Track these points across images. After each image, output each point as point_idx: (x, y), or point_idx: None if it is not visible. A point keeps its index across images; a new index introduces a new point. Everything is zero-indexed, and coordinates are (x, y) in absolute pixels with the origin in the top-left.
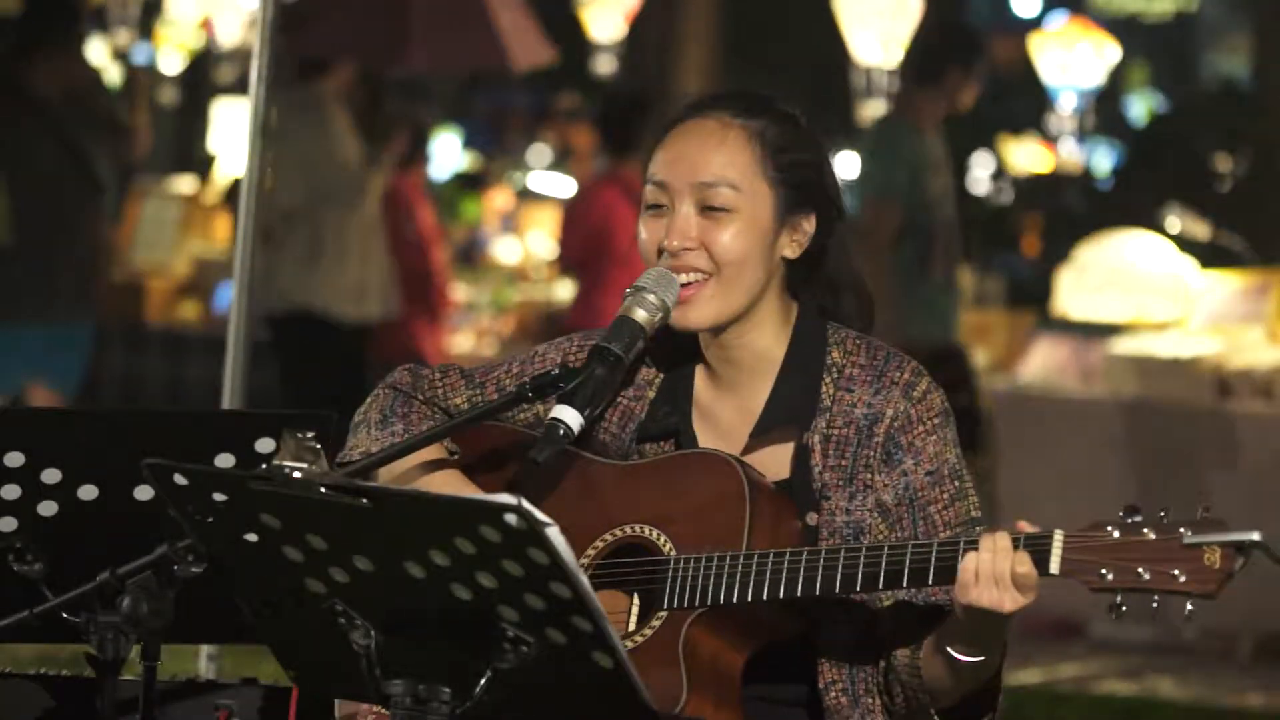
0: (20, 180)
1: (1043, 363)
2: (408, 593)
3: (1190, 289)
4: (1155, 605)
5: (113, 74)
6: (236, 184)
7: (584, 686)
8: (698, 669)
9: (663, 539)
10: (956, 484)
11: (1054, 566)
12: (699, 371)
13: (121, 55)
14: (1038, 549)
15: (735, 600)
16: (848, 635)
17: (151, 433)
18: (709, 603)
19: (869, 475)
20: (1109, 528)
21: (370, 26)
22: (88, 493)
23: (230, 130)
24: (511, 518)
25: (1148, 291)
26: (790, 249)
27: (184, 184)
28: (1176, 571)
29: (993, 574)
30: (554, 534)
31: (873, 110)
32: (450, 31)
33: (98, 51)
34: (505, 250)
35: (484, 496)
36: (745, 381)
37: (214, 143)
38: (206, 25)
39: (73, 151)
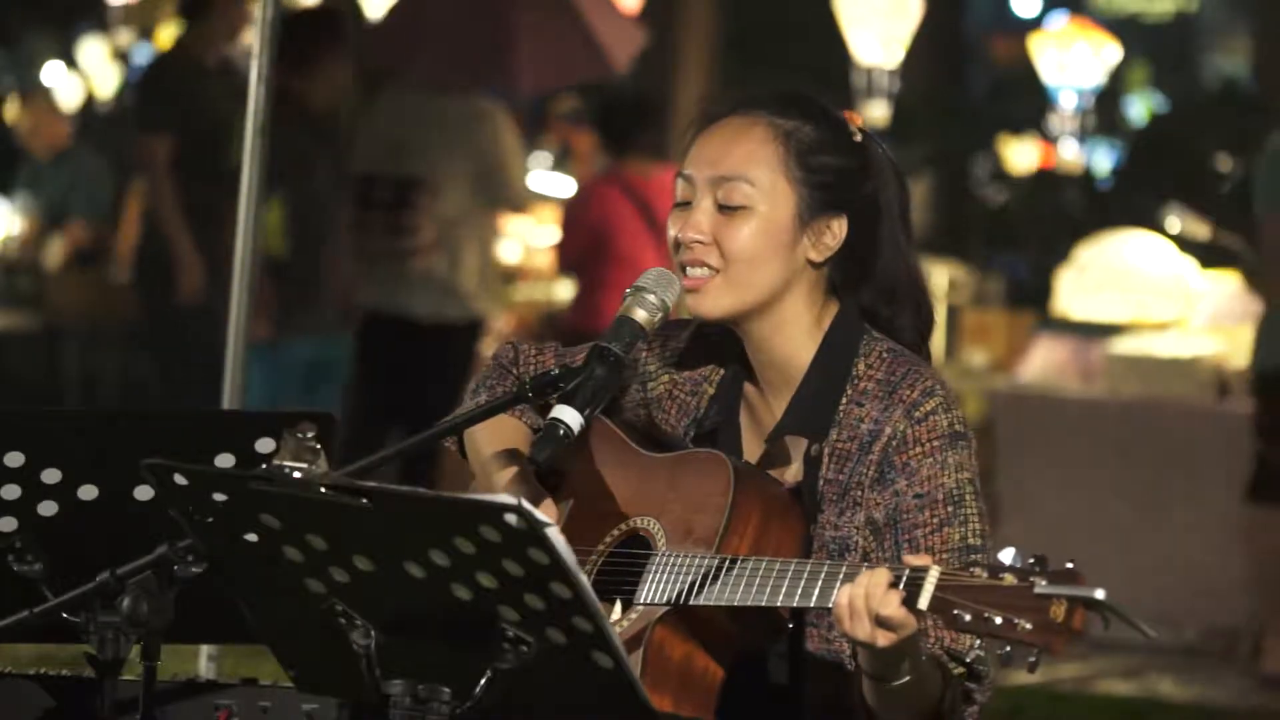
0: (299, 195)
1: (1043, 363)
2: (408, 593)
3: (1190, 289)
4: (1008, 650)
5: (112, 74)
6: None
7: (584, 686)
8: (662, 668)
9: (660, 534)
10: (950, 509)
11: (923, 602)
12: (749, 372)
13: (121, 55)
14: (912, 584)
15: (692, 603)
16: (830, 652)
17: (151, 433)
18: (669, 600)
19: (859, 492)
20: (978, 568)
21: (473, 50)
22: (88, 493)
23: None
24: (511, 518)
25: (1148, 291)
26: (814, 252)
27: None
28: (1022, 620)
29: (864, 610)
30: (554, 534)
31: (873, 110)
32: (553, 47)
33: (97, 51)
34: (505, 250)
35: (484, 496)
36: (779, 384)
37: None
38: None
39: (338, 166)
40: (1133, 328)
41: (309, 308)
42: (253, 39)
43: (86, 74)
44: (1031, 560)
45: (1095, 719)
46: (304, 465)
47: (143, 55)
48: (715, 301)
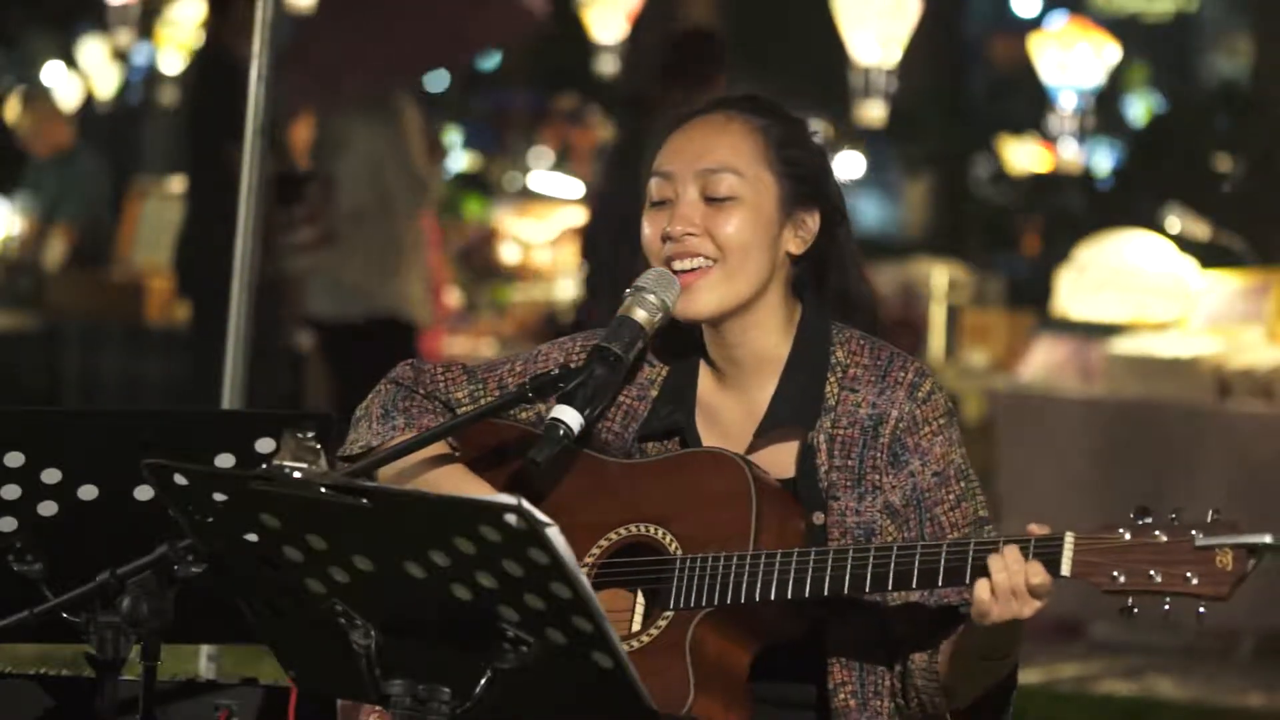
0: None
1: (1043, 363)
2: (408, 593)
3: (1190, 289)
4: (1167, 607)
5: (112, 74)
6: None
7: (584, 686)
8: (704, 669)
9: (668, 538)
10: (963, 484)
11: (1065, 569)
12: (703, 370)
13: (121, 55)
14: (1048, 552)
15: (744, 600)
16: (858, 637)
17: (151, 433)
18: (717, 603)
19: (876, 476)
20: (1120, 529)
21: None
22: (88, 493)
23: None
24: (511, 518)
25: (1148, 291)
26: (794, 244)
27: (184, 184)
28: (1189, 574)
29: (1009, 590)
30: (554, 534)
31: (871, 110)
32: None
33: (97, 51)
34: (506, 250)
35: (484, 496)
36: (749, 380)
37: None
38: (207, 25)
39: None
40: (1132, 328)
41: None
42: (253, 39)
43: (86, 74)
44: (1172, 516)
45: (1095, 719)
46: (304, 465)
47: (143, 55)
48: (709, 296)
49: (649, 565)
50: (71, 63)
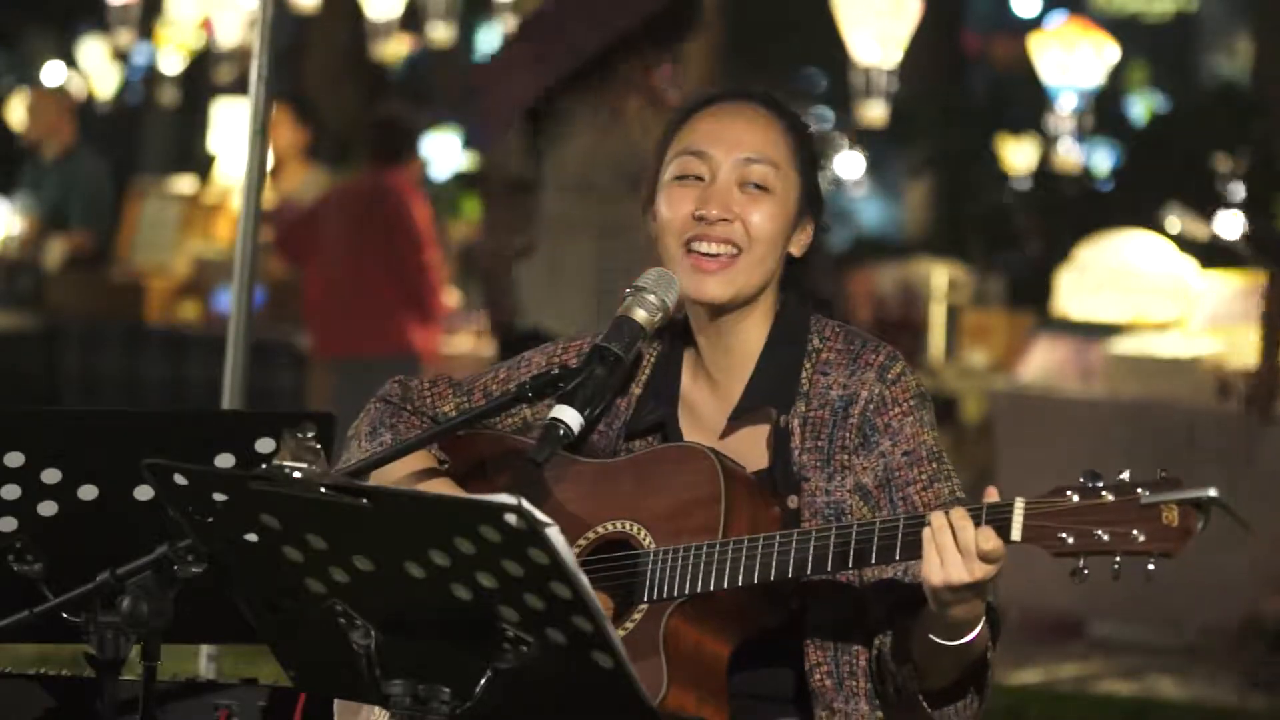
0: None
1: (1043, 363)
2: (408, 593)
3: (1190, 289)
4: (1117, 566)
5: (112, 74)
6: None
7: (584, 686)
8: (679, 661)
9: (642, 533)
10: (935, 465)
11: (1015, 534)
12: (685, 364)
13: (121, 55)
14: (999, 518)
15: (712, 587)
16: (833, 618)
17: (151, 433)
18: (686, 592)
19: (845, 456)
20: (1068, 492)
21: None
22: (88, 493)
23: (230, 130)
24: (511, 518)
25: (1148, 291)
26: (796, 246)
27: (184, 184)
28: (1135, 531)
29: (955, 548)
30: (554, 534)
31: (871, 110)
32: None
33: (97, 51)
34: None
35: (484, 497)
36: (732, 367)
37: (214, 143)
38: (206, 25)
39: None
40: (1133, 328)
41: None
42: (253, 39)
43: (86, 74)
44: (1121, 477)
45: (1095, 719)
46: (304, 465)
47: (143, 55)
48: (726, 284)
49: (623, 560)
50: (71, 63)
